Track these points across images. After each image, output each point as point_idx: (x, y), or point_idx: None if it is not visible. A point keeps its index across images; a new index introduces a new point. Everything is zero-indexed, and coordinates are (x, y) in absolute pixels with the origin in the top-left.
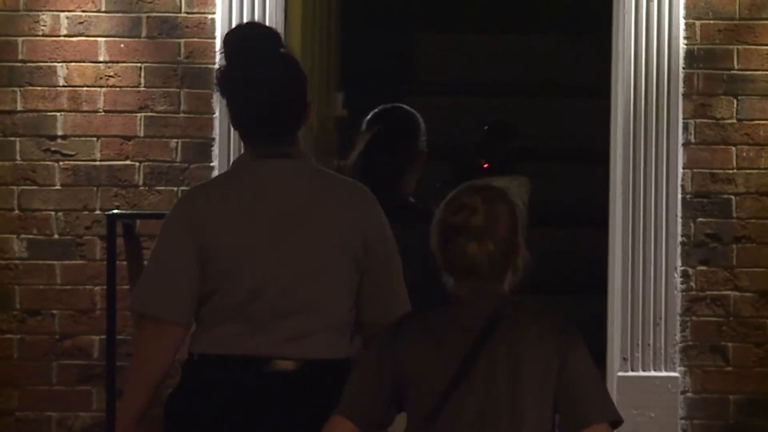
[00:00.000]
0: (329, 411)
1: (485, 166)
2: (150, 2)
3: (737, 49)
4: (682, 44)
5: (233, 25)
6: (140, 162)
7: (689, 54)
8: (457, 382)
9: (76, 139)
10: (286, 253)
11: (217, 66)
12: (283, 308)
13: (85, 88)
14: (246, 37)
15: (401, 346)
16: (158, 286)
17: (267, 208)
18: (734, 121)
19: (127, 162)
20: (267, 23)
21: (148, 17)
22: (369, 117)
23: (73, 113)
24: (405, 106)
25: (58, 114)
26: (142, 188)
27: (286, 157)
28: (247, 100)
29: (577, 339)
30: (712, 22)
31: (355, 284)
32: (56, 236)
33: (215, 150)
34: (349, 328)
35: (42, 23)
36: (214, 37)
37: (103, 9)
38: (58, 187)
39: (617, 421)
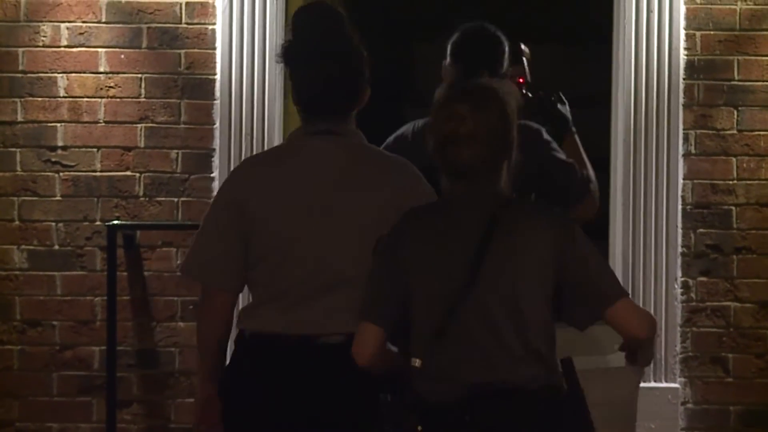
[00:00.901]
0: (375, 386)
1: (520, 80)
2: (150, 13)
3: (737, 59)
4: (682, 55)
5: (234, 36)
6: (141, 173)
7: (689, 65)
8: (464, 294)
9: (77, 149)
10: (325, 228)
11: (284, 41)
12: (325, 282)
13: (85, 99)
14: (314, 15)
15: (405, 248)
16: (202, 256)
17: (306, 184)
18: (735, 131)
19: (128, 173)
20: (267, 33)
21: (148, 28)
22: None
23: (74, 124)
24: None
25: (59, 125)
26: (142, 199)
27: (335, 134)
28: (308, 75)
29: (573, 229)
30: (712, 32)
31: None
32: (57, 247)
33: (215, 161)
34: None
35: (42, 34)
36: (215, 48)
37: (103, 20)
38: (58, 198)
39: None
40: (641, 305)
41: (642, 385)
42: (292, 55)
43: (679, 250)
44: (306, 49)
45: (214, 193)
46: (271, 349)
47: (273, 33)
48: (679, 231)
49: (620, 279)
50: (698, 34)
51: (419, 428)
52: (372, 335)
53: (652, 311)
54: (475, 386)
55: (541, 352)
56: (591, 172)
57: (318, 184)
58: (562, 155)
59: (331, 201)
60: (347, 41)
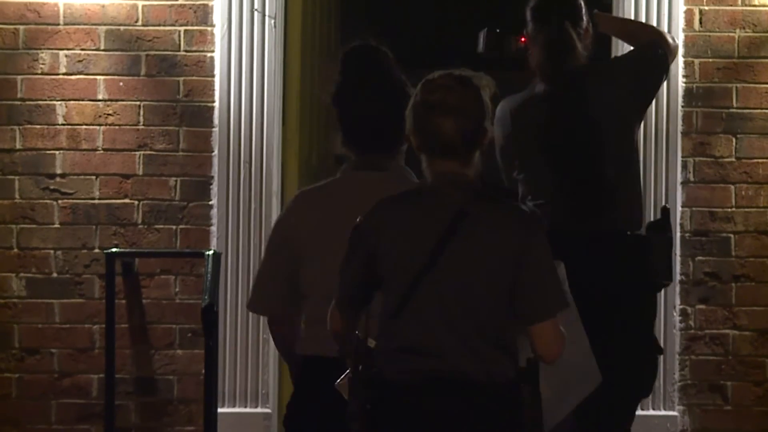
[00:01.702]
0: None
1: (522, 40)
2: (149, 40)
3: (736, 87)
4: (680, 82)
5: (232, 64)
6: (139, 200)
7: (688, 92)
8: (422, 276)
9: (75, 177)
10: None
11: (335, 82)
12: None
13: (84, 127)
14: (362, 56)
15: (377, 232)
16: (261, 291)
17: (348, 217)
18: (733, 159)
19: (126, 200)
20: (266, 61)
21: (147, 55)
22: None
23: (72, 151)
24: None
25: (57, 152)
26: (141, 226)
27: (384, 170)
28: (358, 115)
29: (536, 232)
30: (710, 60)
31: None
32: (55, 275)
33: (214, 188)
34: None
35: (41, 61)
36: (213, 76)
37: (102, 47)
38: (57, 226)
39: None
40: None
41: (640, 413)
42: (342, 96)
43: (678, 277)
44: (356, 90)
45: (213, 220)
46: (321, 371)
47: (271, 61)
48: (678, 259)
49: None
50: (697, 61)
51: (368, 406)
52: (338, 316)
53: None
54: (425, 372)
55: (495, 346)
56: (644, 30)
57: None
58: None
59: None
60: (394, 81)
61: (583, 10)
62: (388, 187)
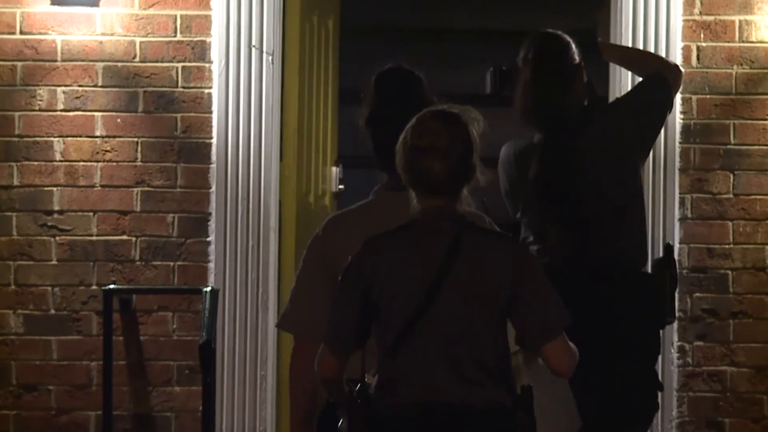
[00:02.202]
0: None
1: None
2: (147, 77)
3: (734, 123)
4: (678, 119)
5: (230, 100)
6: (137, 237)
7: (686, 128)
8: (420, 311)
9: (73, 214)
10: None
11: (367, 105)
12: None
13: (81, 163)
14: (394, 79)
15: (371, 270)
16: (296, 311)
17: None
18: (731, 195)
19: (124, 237)
20: (263, 97)
21: (144, 92)
22: None
23: (70, 188)
24: None
25: (55, 189)
26: (138, 263)
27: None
28: (390, 137)
29: (529, 260)
30: (708, 96)
31: None
32: (53, 311)
33: (212, 224)
34: None
35: (39, 98)
36: (211, 112)
37: (99, 84)
38: (54, 262)
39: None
40: None
41: None
42: (375, 118)
43: (676, 314)
44: (389, 112)
45: (211, 256)
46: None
47: (269, 97)
48: (676, 295)
49: None
50: (694, 98)
51: None
52: (335, 362)
53: None
54: (424, 404)
55: (493, 375)
56: (648, 58)
57: None
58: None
59: None
60: (426, 103)
61: (576, 52)
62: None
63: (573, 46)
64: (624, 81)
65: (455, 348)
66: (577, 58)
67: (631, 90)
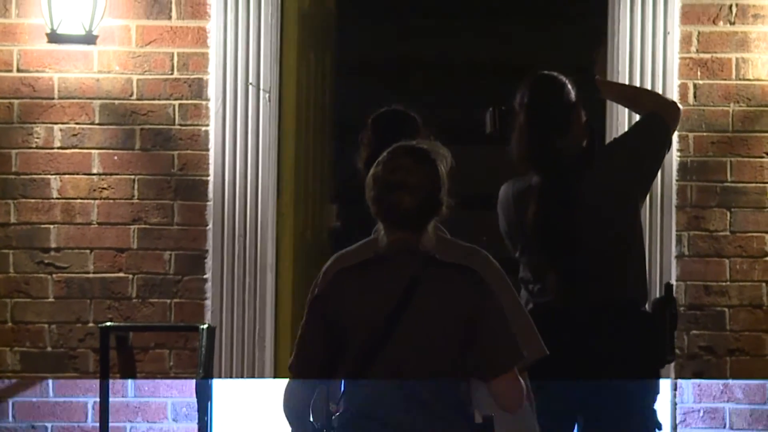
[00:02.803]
0: None
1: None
2: (144, 114)
3: (730, 161)
4: (675, 156)
5: (227, 138)
6: (134, 274)
7: (683, 166)
8: (380, 342)
9: (70, 251)
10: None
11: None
12: None
13: (78, 200)
14: (391, 121)
15: (337, 301)
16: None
17: None
18: (728, 233)
19: (121, 274)
20: (260, 135)
21: (141, 129)
22: None
23: (67, 225)
24: None
25: (52, 226)
26: (135, 300)
27: None
28: None
29: (487, 292)
30: (705, 134)
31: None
32: (49, 349)
33: (209, 262)
34: None
35: (35, 135)
36: (208, 149)
37: (96, 121)
38: (51, 300)
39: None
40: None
41: None
42: (373, 160)
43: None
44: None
45: (208, 294)
46: None
47: (266, 134)
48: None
49: None
50: (691, 135)
51: None
52: (304, 390)
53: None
54: None
55: (452, 405)
56: (646, 96)
57: None
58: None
59: None
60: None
61: (572, 92)
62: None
63: (569, 86)
64: (621, 115)
65: (413, 380)
66: (573, 98)
67: (629, 130)
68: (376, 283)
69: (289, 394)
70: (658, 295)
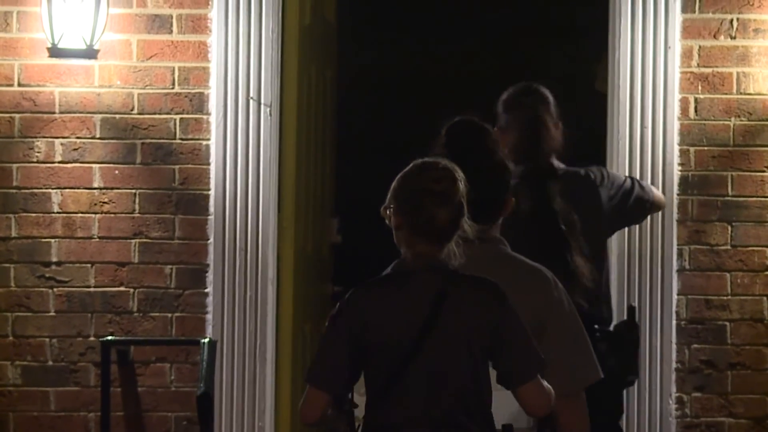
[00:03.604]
0: None
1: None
2: (145, 129)
3: (731, 175)
4: (676, 170)
5: (228, 152)
6: (135, 288)
7: (683, 180)
8: (411, 356)
9: (71, 265)
10: None
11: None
12: None
13: (79, 215)
14: (464, 131)
15: (361, 317)
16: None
17: None
18: (729, 247)
19: (122, 288)
20: (261, 149)
21: (142, 143)
22: None
23: (68, 240)
24: None
25: (53, 240)
26: (136, 314)
27: (481, 240)
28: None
29: (508, 306)
30: (706, 148)
31: None
32: (50, 363)
33: (210, 276)
34: None
35: (36, 150)
36: (209, 163)
37: (97, 135)
38: (52, 314)
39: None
40: (636, 421)
41: None
42: None
43: (674, 365)
44: (461, 164)
45: (209, 308)
46: None
47: (267, 148)
48: (674, 346)
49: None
50: (692, 149)
51: None
52: (320, 400)
53: (646, 427)
54: None
55: (476, 417)
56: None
57: None
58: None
59: None
60: (493, 155)
61: (553, 104)
62: (490, 256)
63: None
64: (621, 115)
65: (441, 393)
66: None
67: (619, 187)
68: (401, 299)
69: (305, 404)
70: (623, 319)
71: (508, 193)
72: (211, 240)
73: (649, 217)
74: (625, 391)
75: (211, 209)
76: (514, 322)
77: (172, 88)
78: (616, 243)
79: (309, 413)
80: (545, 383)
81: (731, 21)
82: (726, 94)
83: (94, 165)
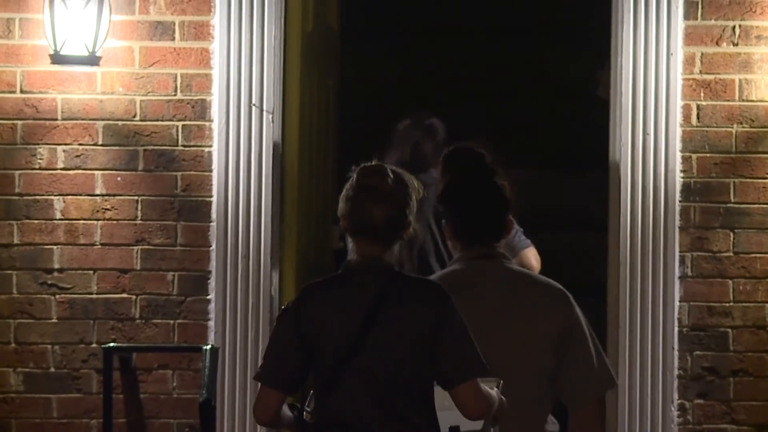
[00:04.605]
0: None
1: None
2: (147, 135)
3: (734, 182)
4: (678, 177)
5: (230, 159)
6: (137, 295)
7: (686, 187)
8: (352, 354)
9: (73, 272)
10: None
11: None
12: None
13: (81, 221)
14: (465, 158)
15: (306, 316)
16: None
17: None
18: (731, 254)
19: (124, 295)
20: (263, 155)
21: (145, 150)
22: None
23: (70, 246)
24: None
25: (55, 247)
26: (138, 321)
27: (490, 257)
28: (467, 212)
29: (449, 307)
30: (708, 155)
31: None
32: (53, 369)
33: (212, 283)
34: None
35: (39, 156)
36: (211, 170)
37: (100, 142)
38: (54, 321)
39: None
40: (638, 428)
41: None
42: (449, 195)
43: (676, 372)
44: (463, 190)
45: (211, 315)
46: None
47: (269, 155)
48: (676, 353)
49: (616, 401)
50: (694, 156)
51: None
52: (272, 398)
53: None
54: None
55: (420, 413)
56: None
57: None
58: None
59: (499, 320)
60: (494, 179)
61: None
62: (504, 271)
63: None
64: (622, 116)
65: (383, 390)
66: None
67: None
68: (343, 298)
69: (257, 403)
70: None
71: (509, 213)
72: (213, 247)
73: (651, 225)
74: (627, 398)
75: (214, 216)
76: (454, 324)
77: (175, 95)
78: (618, 249)
79: (262, 412)
80: (486, 388)
81: (733, 28)
82: (728, 100)
83: (96, 172)
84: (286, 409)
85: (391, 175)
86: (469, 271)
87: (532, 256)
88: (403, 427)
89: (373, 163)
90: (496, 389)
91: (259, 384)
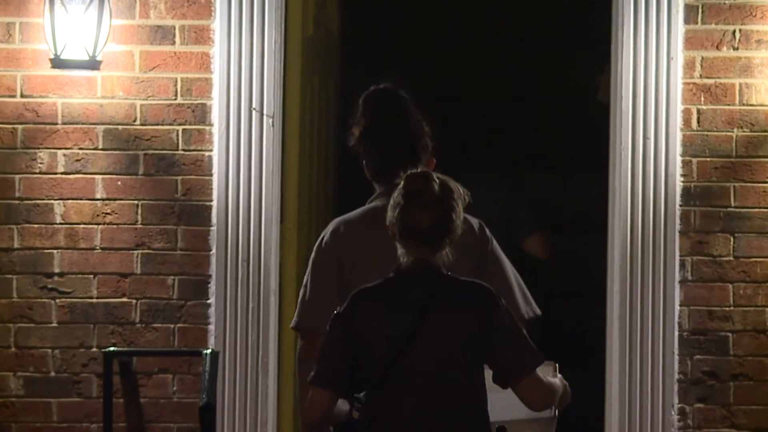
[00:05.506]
0: None
1: None
2: (147, 140)
3: (734, 186)
4: (678, 181)
5: (230, 163)
6: (137, 299)
7: (686, 191)
8: (402, 355)
9: (73, 276)
10: None
11: (356, 126)
12: None
13: (82, 226)
14: (383, 99)
15: (357, 318)
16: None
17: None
18: (731, 258)
19: (124, 299)
20: (264, 160)
21: (145, 154)
22: None
23: (70, 251)
24: None
25: (55, 251)
26: (138, 325)
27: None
28: (382, 152)
29: (499, 307)
30: (708, 159)
31: None
32: (53, 374)
33: (212, 287)
34: None
35: (39, 161)
36: (211, 174)
37: (100, 146)
38: (54, 325)
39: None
40: (638, 431)
41: None
42: (368, 133)
43: (676, 376)
44: (380, 130)
45: (211, 319)
46: None
47: (269, 159)
48: (676, 357)
49: (617, 406)
50: (695, 160)
51: None
52: (324, 399)
53: None
54: None
55: (469, 413)
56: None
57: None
58: None
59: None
60: (412, 120)
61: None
62: None
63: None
64: (623, 117)
65: (433, 388)
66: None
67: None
68: (392, 300)
69: (309, 404)
70: None
71: (427, 154)
72: (214, 251)
73: (651, 228)
74: (627, 401)
75: (214, 220)
76: (504, 321)
77: (175, 99)
78: (618, 253)
79: (312, 410)
80: (547, 378)
81: (734, 32)
82: (729, 105)
83: (96, 176)
84: (341, 404)
85: (437, 181)
86: (378, 209)
87: (537, 245)
88: (451, 426)
89: (417, 173)
90: (559, 375)
91: (311, 387)
